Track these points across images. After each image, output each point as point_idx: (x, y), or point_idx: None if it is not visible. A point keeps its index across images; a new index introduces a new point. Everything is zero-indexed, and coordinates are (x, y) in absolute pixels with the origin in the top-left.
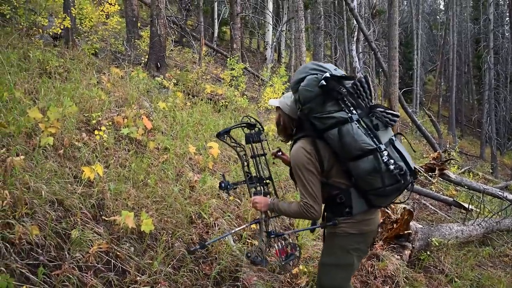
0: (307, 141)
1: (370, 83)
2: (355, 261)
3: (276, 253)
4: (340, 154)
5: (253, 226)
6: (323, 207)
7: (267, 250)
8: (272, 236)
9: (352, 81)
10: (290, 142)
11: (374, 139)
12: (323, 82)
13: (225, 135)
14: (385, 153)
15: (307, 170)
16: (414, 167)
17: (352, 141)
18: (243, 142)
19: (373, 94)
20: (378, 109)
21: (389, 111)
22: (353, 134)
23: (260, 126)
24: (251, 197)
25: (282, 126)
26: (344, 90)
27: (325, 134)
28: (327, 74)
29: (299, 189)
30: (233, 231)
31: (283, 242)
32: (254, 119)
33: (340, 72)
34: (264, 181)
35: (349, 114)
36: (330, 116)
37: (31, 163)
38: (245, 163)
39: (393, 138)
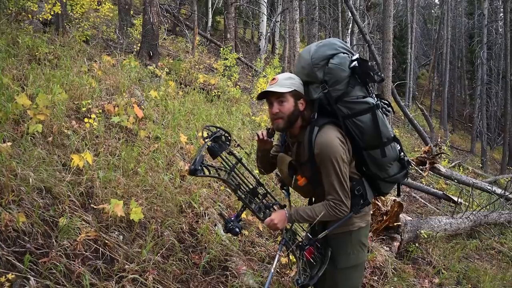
0: (335, 129)
1: None
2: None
3: (307, 256)
4: (366, 141)
5: (260, 225)
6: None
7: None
8: (307, 247)
9: None
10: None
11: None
12: (356, 63)
13: (201, 166)
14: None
15: (344, 162)
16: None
17: (384, 127)
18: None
19: None
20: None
21: (386, 102)
22: (384, 120)
23: (224, 132)
24: (260, 221)
25: (299, 113)
26: (380, 75)
27: (350, 120)
28: (357, 56)
29: (329, 185)
30: (272, 270)
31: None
32: (215, 126)
33: None
34: (259, 192)
35: (376, 101)
36: (363, 101)
37: (18, 150)
38: (237, 187)
39: None
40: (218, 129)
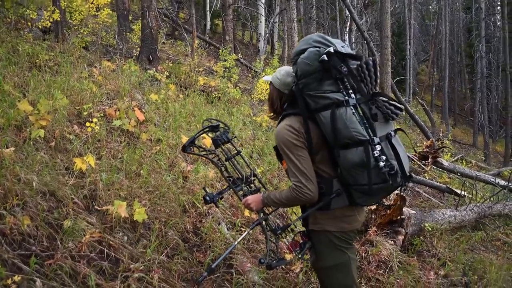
0: (296, 119)
1: (378, 68)
2: (350, 255)
3: (289, 248)
4: (329, 139)
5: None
6: None
7: (278, 248)
8: (279, 232)
9: (358, 62)
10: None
11: (369, 130)
12: (324, 57)
13: (191, 147)
14: (378, 147)
15: (295, 146)
16: (409, 171)
17: (343, 127)
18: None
19: (378, 80)
20: (380, 98)
21: (393, 103)
22: (345, 119)
23: (224, 126)
24: (240, 201)
25: (270, 101)
26: (345, 69)
27: (317, 114)
28: (331, 49)
29: (289, 168)
30: (236, 242)
31: (291, 234)
32: (216, 119)
33: (348, 50)
34: (249, 179)
35: (346, 97)
36: (325, 96)
37: (21, 155)
38: (223, 169)
39: (392, 133)
40: (218, 122)
